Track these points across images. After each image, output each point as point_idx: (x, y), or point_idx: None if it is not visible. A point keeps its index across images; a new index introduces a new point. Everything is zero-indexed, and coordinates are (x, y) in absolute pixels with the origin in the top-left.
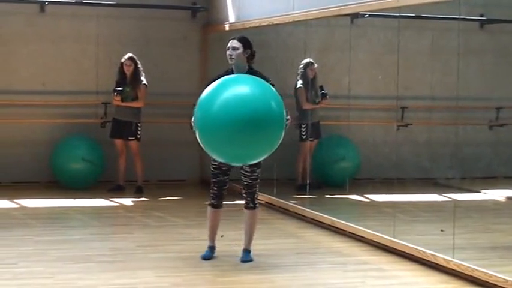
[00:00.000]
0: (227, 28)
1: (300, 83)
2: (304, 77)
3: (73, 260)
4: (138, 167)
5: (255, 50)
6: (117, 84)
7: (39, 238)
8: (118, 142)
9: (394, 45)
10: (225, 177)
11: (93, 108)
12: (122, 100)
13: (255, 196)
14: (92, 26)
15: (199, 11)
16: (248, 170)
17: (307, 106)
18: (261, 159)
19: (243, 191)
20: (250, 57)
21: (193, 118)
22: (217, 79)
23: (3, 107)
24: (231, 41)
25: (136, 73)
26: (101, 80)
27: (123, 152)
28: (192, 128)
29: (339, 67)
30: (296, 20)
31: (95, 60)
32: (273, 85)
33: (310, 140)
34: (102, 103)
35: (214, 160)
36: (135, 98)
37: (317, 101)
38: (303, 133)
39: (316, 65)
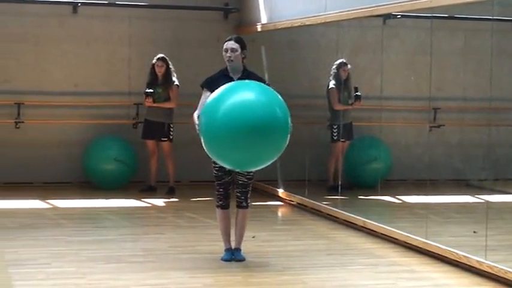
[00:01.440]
0: (259, 29)
1: (332, 84)
2: (337, 77)
3: (105, 260)
4: (170, 167)
5: (288, 51)
6: (149, 85)
7: (71, 238)
8: (150, 143)
9: (426, 46)
10: (229, 178)
11: (125, 109)
12: (154, 101)
13: (248, 195)
14: (124, 27)
15: (232, 12)
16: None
17: (338, 107)
18: (265, 165)
19: (237, 190)
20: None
21: (197, 121)
22: (211, 80)
23: (36, 107)
24: (228, 42)
25: (168, 74)
26: (133, 81)
27: (155, 152)
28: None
29: (371, 68)
30: (328, 20)
31: (127, 61)
32: (268, 85)
33: (342, 141)
34: (134, 104)
35: (215, 162)
36: (167, 99)
37: (350, 102)
38: (335, 134)
39: (349, 66)
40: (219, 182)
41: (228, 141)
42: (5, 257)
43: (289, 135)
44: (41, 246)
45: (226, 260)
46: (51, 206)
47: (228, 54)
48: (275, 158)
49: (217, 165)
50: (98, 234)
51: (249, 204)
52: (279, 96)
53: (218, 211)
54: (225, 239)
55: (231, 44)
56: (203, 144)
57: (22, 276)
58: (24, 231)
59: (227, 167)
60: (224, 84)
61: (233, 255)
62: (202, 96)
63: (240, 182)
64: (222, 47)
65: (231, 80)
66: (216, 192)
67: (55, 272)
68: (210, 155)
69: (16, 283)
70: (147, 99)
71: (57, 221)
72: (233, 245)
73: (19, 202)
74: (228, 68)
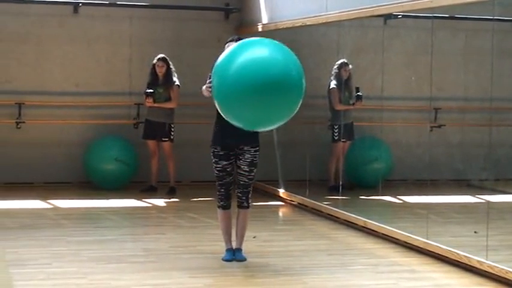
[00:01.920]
0: (260, 29)
1: (333, 84)
2: (338, 77)
3: (106, 260)
4: (170, 167)
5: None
6: (149, 85)
7: (72, 238)
8: (151, 143)
9: (427, 46)
10: (230, 178)
11: (126, 109)
12: (155, 101)
13: (249, 196)
14: (125, 27)
15: (232, 12)
16: (247, 169)
17: (339, 107)
18: (277, 125)
19: (238, 190)
20: None
21: (208, 84)
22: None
23: (37, 107)
24: (230, 43)
25: (168, 74)
26: (133, 81)
27: (156, 153)
28: (209, 92)
29: (371, 68)
30: (329, 20)
31: (128, 61)
32: None
33: (343, 141)
34: (135, 104)
35: (218, 162)
36: (168, 99)
37: (351, 102)
38: (335, 134)
39: (350, 66)
40: (220, 182)
41: (240, 99)
42: (5, 257)
43: (302, 94)
44: (42, 247)
45: (227, 260)
46: (51, 206)
47: None
48: (288, 118)
49: (218, 166)
50: (99, 234)
51: (250, 205)
52: (294, 55)
53: (219, 211)
54: (226, 239)
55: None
56: (216, 105)
57: (23, 276)
58: (24, 232)
59: (241, 126)
60: None
61: (234, 256)
62: (208, 81)
63: (242, 182)
64: (224, 47)
65: None
66: (217, 193)
67: (56, 272)
68: (224, 115)
69: (17, 283)
70: (147, 100)
71: (58, 221)
72: (234, 245)
73: (20, 202)
74: None
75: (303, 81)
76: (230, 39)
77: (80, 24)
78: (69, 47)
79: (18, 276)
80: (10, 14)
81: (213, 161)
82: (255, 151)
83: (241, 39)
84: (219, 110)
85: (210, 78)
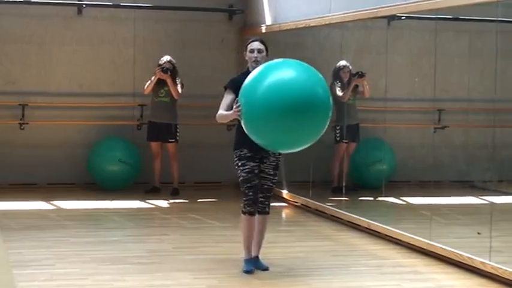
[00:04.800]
0: (264, 30)
1: (332, 80)
2: (338, 79)
3: (109, 261)
4: (174, 169)
5: (293, 52)
6: (156, 84)
7: (75, 239)
8: (154, 145)
9: (431, 47)
10: (258, 181)
11: (130, 110)
12: (164, 71)
13: (270, 200)
14: (129, 28)
15: (236, 13)
16: (271, 173)
17: (344, 96)
18: (304, 146)
19: (261, 195)
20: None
21: (238, 105)
22: (235, 81)
23: (41, 108)
24: (254, 42)
25: (173, 74)
26: (137, 82)
27: (159, 154)
28: (238, 116)
29: (375, 69)
30: (333, 22)
31: (132, 63)
32: None
33: (345, 142)
34: (139, 105)
35: (245, 164)
36: (173, 98)
37: (351, 99)
38: (338, 135)
39: (350, 68)
40: (249, 184)
41: (267, 121)
42: (9, 258)
43: (330, 116)
44: (45, 248)
45: (249, 272)
46: (55, 207)
47: (254, 55)
48: (316, 139)
49: (246, 167)
50: (102, 235)
51: (270, 210)
52: (320, 74)
53: (245, 218)
54: (249, 248)
55: (257, 45)
56: (244, 127)
57: (26, 277)
58: (28, 233)
59: (269, 149)
60: None
61: (256, 265)
62: (225, 97)
63: (265, 186)
64: (246, 48)
65: None
66: (245, 198)
67: (59, 273)
68: (251, 136)
69: (20, 284)
70: (161, 72)
71: (61, 222)
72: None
73: (23, 203)
74: (251, 68)
75: (330, 100)
76: (253, 39)
77: (83, 25)
78: (73, 48)
79: (21, 277)
80: (14, 15)
81: (240, 163)
82: (279, 154)
83: (264, 40)
84: (246, 131)
85: (237, 103)
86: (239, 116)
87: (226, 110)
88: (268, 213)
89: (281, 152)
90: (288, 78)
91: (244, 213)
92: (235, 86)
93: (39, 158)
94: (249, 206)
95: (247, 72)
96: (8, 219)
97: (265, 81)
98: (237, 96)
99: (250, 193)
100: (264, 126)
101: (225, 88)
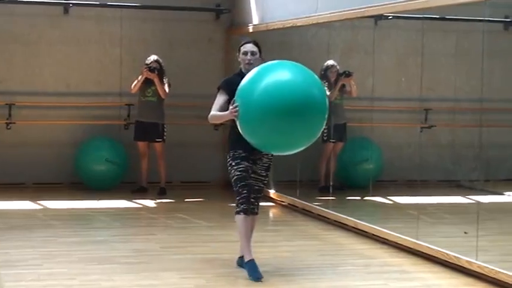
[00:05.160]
0: (251, 30)
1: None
2: (325, 79)
3: (96, 261)
4: (161, 168)
5: (280, 52)
6: (143, 83)
7: (62, 239)
8: (141, 144)
9: (418, 47)
10: (251, 180)
11: (117, 110)
12: (151, 71)
13: (260, 201)
14: (116, 27)
15: (223, 13)
16: (263, 174)
17: (329, 94)
18: (300, 149)
19: (252, 196)
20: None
21: (235, 105)
22: (228, 82)
23: (27, 108)
24: (247, 44)
25: (160, 74)
26: (124, 82)
27: (146, 153)
28: (235, 117)
29: (362, 69)
30: (320, 21)
31: (119, 62)
32: None
33: (332, 142)
34: (126, 104)
35: (240, 164)
36: (160, 98)
37: (338, 98)
38: (325, 134)
39: (337, 67)
40: (243, 183)
41: (263, 123)
42: None
43: (326, 117)
44: (32, 247)
45: (259, 279)
46: (42, 207)
47: (248, 57)
48: (312, 141)
49: (241, 166)
50: (89, 235)
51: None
52: (316, 76)
53: (240, 217)
54: (248, 249)
55: (250, 47)
56: (239, 128)
57: (13, 277)
58: (15, 232)
59: (264, 150)
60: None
61: (241, 264)
62: (218, 98)
63: (256, 187)
64: (239, 49)
65: None
66: (238, 197)
67: (46, 273)
68: (247, 138)
69: (7, 284)
70: (149, 72)
71: (48, 222)
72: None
73: (10, 203)
74: (244, 70)
75: (326, 103)
76: (246, 41)
77: (70, 24)
78: (60, 48)
79: (8, 277)
80: (1, 14)
81: (234, 163)
82: (271, 155)
83: (257, 42)
84: (242, 132)
85: (233, 103)
86: (236, 116)
87: (219, 111)
88: (257, 213)
89: (277, 153)
90: (285, 80)
91: (238, 212)
92: (228, 87)
93: (26, 157)
94: (243, 204)
95: (241, 73)
96: None
97: (261, 82)
98: (230, 97)
99: (245, 191)
100: (261, 127)
101: (218, 89)
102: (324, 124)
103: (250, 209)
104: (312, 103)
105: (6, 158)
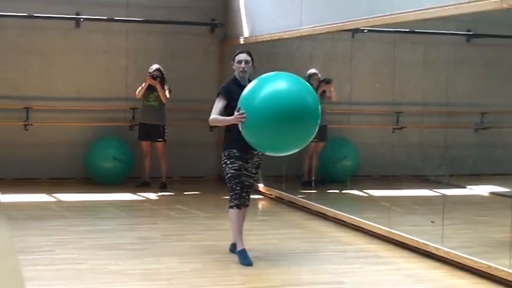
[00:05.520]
0: (242, 42)
1: None
2: None
3: (104, 247)
4: (163, 165)
5: (268, 62)
6: (147, 90)
7: (74, 228)
8: (144, 144)
9: (390, 57)
10: (244, 177)
11: (122, 113)
12: (153, 78)
13: (250, 195)
14: (122, 40)
15: (217, 26)
16: (254, 171)
17: None
18: (297, 149)
19: (244, 190)
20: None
21: (241, 112)
22: (227, 89)
23: (43, 111)
24: (241, 54)
25: (162, 81)
26: (129, 88)
27: (149, 152)
28: (241, 119)
29: (341, 76)
30: (303, 34)
31: (125, 70)
32: None
33: (315, 141)
34: (131, 108)
35: (234, 162)
36: (161, 102)
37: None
38: None
39: (319, 75)
40: (237, 180)
41: (264, 127)
42: (14, 245)
43: (319, 122)
44: (47, 235)
45: (249, 264)
46: (55, 200)
47: (242, 65)
48: (307, 142)
49: (235, 165)
50: (98, 224)
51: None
52: (309, 85)
53: (233, 211)
54: (241, 240)
55: (244, 56)
56: (243, 132)
57: (29, 262)
58: (31, 222)
59: (264, 152)
60: (237, 91)
61: (234, 250)
62: (217, 103)
63: (247, 183)
64: (234, 59)
65: (243, 87)
66: (232, 193)
67: (59, 258)
68: (250, 140)
69: (24, 268)
70: (151, 79)
71: (61, 213)
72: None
73: (27, 196)
74: (238, 77)
75: (319, 109)
76: (240, 51)
77: (81, 37)
78: (72, 58)
79: (25, 262)
80: (19, 28)
81: (229, 162)
82: (262, 154)
83: (250, 52)
84: (245, 135)
85: (238, 110)
86: (242, 122)
87: (219, 115)
88: (248, 206)
89: (275, 154)
90: (282, 89)
91: (232, 207)
92: (226, 93)
93: (42, 155)
94: (236, 199)
95: (235, 80)
96: (14, 210)
97: (262, 91)
98: (228, 102)
99: (238, 187)
100: (262, 131)
101: (218, 94)
102: (317, 127)
103: (242, 203)
104: (306, 109)
105: (24, 156)
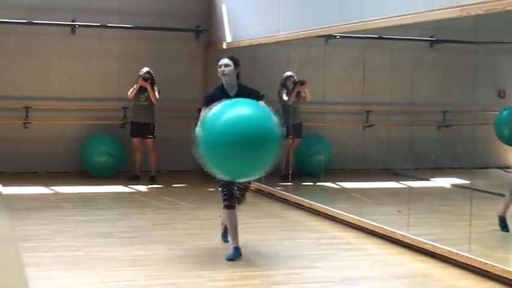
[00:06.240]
0: (225, 47)
1: (280, 88)
2: (284, 86)
3: (98, 235)
4: (152, 160)
5: (248, 65)
6: (138, 91)
7: (70, 218)
8: (135, 140)
9: (360, 61)
10: (234, 187)
11: (115, 112)
12: (144, 80)
13: (244, 194)
14: (114, 45)
15: (202, 32)
16: (242, 186)
17: (288, 99)
18: (257, 175)
19: (234, 190)
20: (238, 75)
21: (197, 130)
22: (208, 98)
23: (41, 110)
24: (222, 59)
25: (151, 83)
26: (121, 89)
27: (139, 148)
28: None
29: (315, 79)
30: (280, 40)
31: (117, 73)
32: (263, 95)
33: (291, 138)
34: (122, 108)
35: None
36: (151, 102)
37: (295, 102)
38: (284, 132)
39: (294, 77)
40: (223, 182)
41: (224, 152)
42: (14, 233)
43: (278, 146)
44: (45, 225)
45: (232, 259)
46: (53, 192)
47: (222, 69)
48: (267, 168)
49: None
50: (93, 214)
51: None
52: (270, 112)
53: (227, 212)
54: (237, 237)
55: (224, 61)
56: (202, 156)
57: (29, 249)
58: (31, 213)
59: (224, 176)
60: (221, 100)
61: (226, 239)
62: (202, 113)
63: (238, 184)
64: (219, 63)
65: (228, 96)
66: (222, 194)
67: (57, 245)
68: (207, 165)
69: (24, 255)
70: (143, 82)
71: (59, 204)
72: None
73: (27, 188)
74: (223, 83)
75: (278, 133)
76: (222, 56)
77: (76, 42)
78: (68, 61)
79: (25, 249)
80: (20, 33)
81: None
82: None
83: (233, 56)
84: (205, 161)
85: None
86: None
87: None
88: (240, 203)
89: (238, 179)
90: (243, 115)
91: (224, 207)
92: (208, 103)
93: (40, 151)
94: (226, 200)
95: (221, 86)
96: (14, 202)
97: (223, 117)
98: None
99: (225, 189)
100: (220, 157)
101: (202, 103)
102: (277, 152)
103: (232, 202)
104: (266, 134)
105: (24, 151)
